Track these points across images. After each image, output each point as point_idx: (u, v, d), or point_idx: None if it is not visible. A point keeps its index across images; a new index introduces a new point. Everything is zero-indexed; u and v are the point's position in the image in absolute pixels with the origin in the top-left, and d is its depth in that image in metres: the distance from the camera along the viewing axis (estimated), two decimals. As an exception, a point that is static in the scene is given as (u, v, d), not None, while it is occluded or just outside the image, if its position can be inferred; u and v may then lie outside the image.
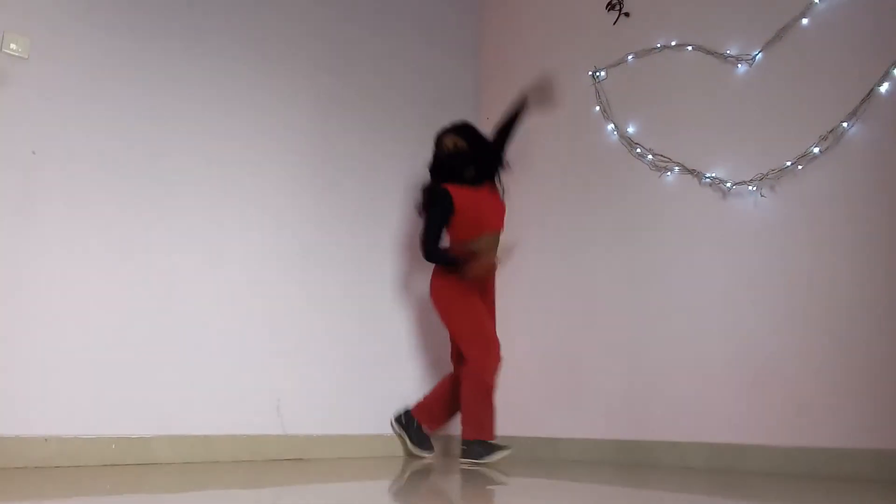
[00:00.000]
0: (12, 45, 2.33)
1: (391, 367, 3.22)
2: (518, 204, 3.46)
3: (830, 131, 2.49)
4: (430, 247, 2.90)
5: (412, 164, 3.45)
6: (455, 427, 3.11)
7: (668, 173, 2.97)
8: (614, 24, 3.29)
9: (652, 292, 2.94)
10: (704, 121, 2.87)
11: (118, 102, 2.55)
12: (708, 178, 2.82)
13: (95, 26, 2.53)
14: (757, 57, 2.75)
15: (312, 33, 3.20)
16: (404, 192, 3.42)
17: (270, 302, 2.85)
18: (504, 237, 3.13)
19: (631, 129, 3.14)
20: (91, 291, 2.39)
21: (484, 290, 3.00)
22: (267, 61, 3.01)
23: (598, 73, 3.31)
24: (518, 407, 3.33)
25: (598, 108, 3.28)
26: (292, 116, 3.06)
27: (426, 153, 3.51)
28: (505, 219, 3.12)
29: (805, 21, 2.63)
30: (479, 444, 2.80)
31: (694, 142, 2.89)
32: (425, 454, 2.97)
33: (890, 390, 2.24)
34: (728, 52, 2.84)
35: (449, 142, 3.02)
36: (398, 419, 3.04)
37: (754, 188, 2.68)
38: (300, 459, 2.77)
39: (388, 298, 3.28)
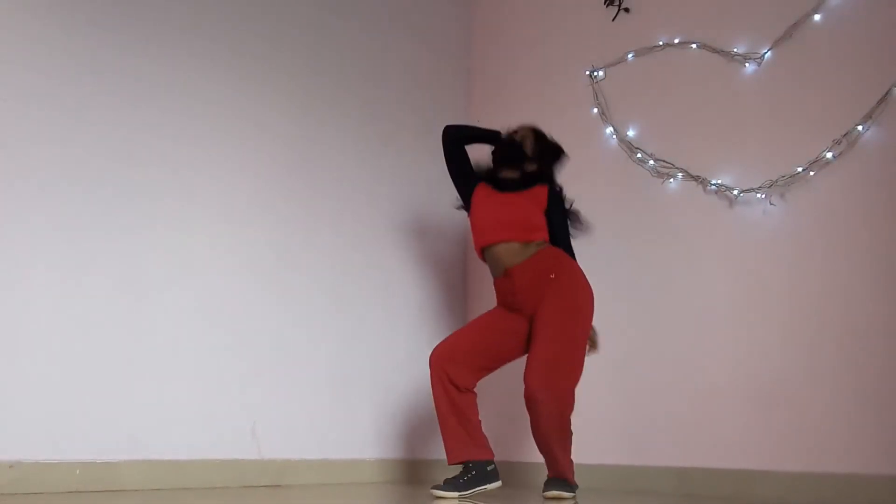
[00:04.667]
0: (-30, 47, 2.30)
1: (377, 386, 3.17)
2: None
3: (844, 135, 2.48)
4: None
5: (398, 167, 3.40)
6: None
7: (671, 180, 2.94)
8: (613, 20, 3.25)
9: (653, 307, 2.92)
10: (710, 124, 2.86)
11: (84, 104, 2.49)
12: (714, 184, 2.81)
13: (57, 26, 2.47)
14: (766, 55, 2.74)
15: (292, 30, 3.14)
16: (391, 197, 3.37)
17: (246, 317, 2.81)
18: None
19: (631, 133, 3.11)
20: (54, 307, 2.34)
21: (538, 307, 2.53)
22: (243, 61, 2.95)
23: (596, 73, 3.27)
24: (506, 429, 3.27)
25: (595, 109, 3.24)
26: (269, 118, 3.01)
27: (413, 155, 3.49)
28: (532, 231, 2.66)
29: (817, 17, 2.64)
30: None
31: (698, 146, 2.88)
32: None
33: (909, 413, 2.26)
34: (735, 50, 2.83)
35: (523, 132, 2.75)
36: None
37: (763, 196, 2.66)
38: (277, 486, 2.74)
39: (374, 313, 3.22)
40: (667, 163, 2.94)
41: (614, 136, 3.14)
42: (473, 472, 2.44)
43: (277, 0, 3.08)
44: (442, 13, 3.81)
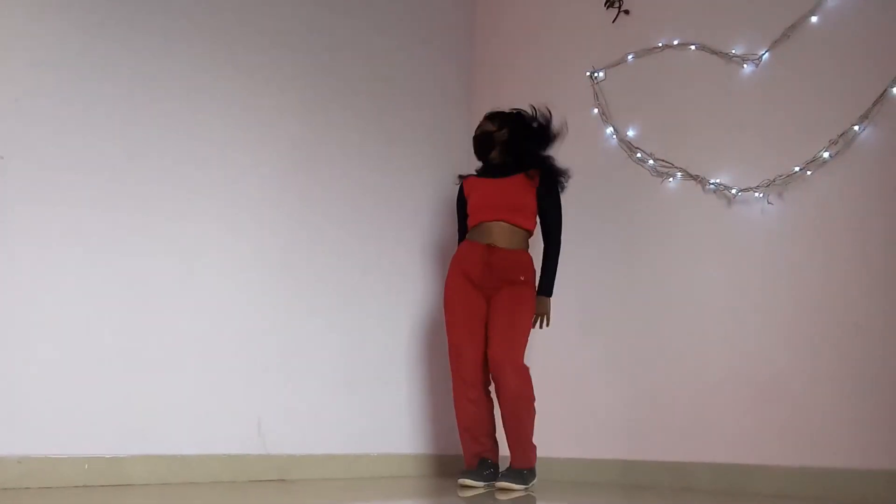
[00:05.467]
0: (-23, 44, 2.28)
1: (380, 381, 3.15)
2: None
3: (841, 135, 2.47)
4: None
5: (403, 165, 3.40)
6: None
7: (671, 179, 2.94)
8: (613, 21, 3.25)
9: (653, 305, 2.91)
10: (708, 124, 2.85)
11: (91, 103, 2.49)
12: (712, 184, 2.80)
13: (66, 23, 2.47)
14: (764, 57, 2.73)
15: (298, 30, 3.13)
16: (395, 194, 3.36)
17: (252, 313, 2.80)
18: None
19: (631, 133, 3.10)
20: (63, 301, 2.34)
21: (494, 292, 2.77)
22: (250, 58, 2.94)
23: (596, 74, 3.27)
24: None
25: (596, 110, 3.24)
26: (276, 115, 3.00)
27: (417, 153, 3.50)
28: (521, 214, 2.80)
29: (815, 19, 2.62)
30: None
31: (697, 146, 2.88)
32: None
33: (905, 409, 2.24)
34: (733, 51, 2.82)
35: (484, 125, 2.93)
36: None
37: (761, 195, 2.66)
38: (282, 480, 2.73)
39: (378, 309, 3.21)
40: (666, 162, 2.94)
41: (614, 136, 3.14)
42: (491, 470, 2.73)
43: (287, 7, 3.08)
44: (445, 14, 3.81)
